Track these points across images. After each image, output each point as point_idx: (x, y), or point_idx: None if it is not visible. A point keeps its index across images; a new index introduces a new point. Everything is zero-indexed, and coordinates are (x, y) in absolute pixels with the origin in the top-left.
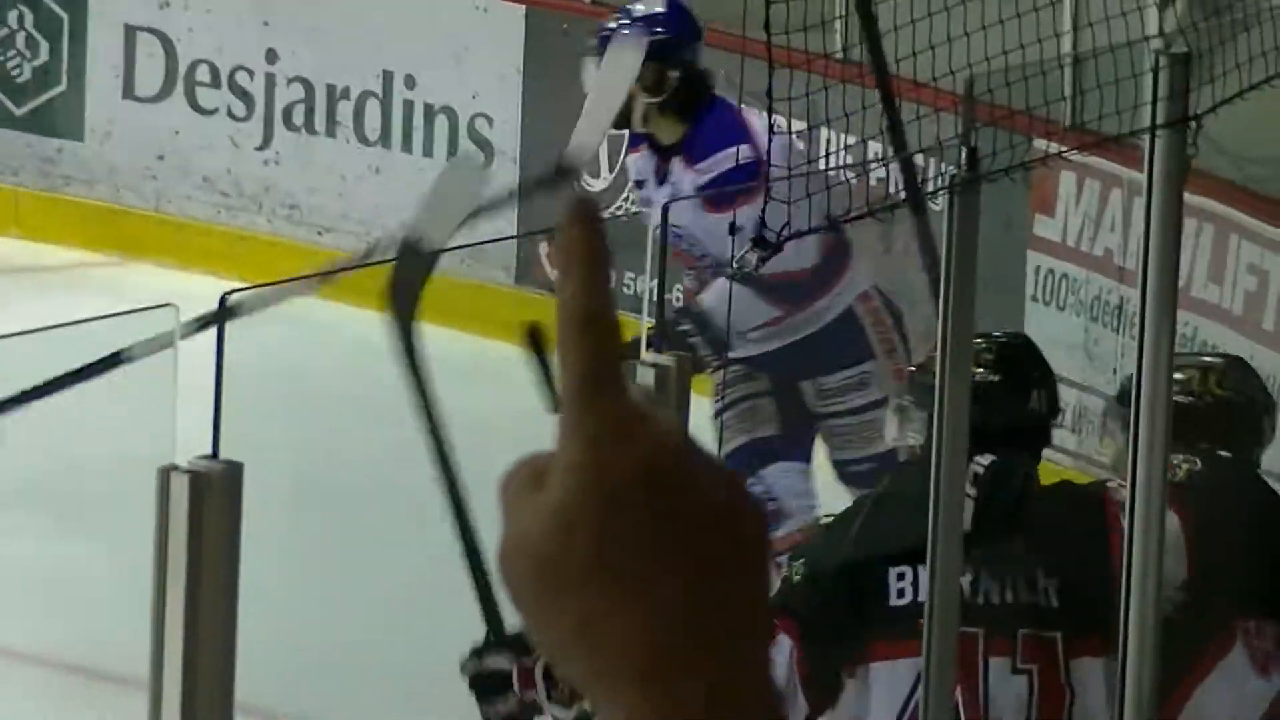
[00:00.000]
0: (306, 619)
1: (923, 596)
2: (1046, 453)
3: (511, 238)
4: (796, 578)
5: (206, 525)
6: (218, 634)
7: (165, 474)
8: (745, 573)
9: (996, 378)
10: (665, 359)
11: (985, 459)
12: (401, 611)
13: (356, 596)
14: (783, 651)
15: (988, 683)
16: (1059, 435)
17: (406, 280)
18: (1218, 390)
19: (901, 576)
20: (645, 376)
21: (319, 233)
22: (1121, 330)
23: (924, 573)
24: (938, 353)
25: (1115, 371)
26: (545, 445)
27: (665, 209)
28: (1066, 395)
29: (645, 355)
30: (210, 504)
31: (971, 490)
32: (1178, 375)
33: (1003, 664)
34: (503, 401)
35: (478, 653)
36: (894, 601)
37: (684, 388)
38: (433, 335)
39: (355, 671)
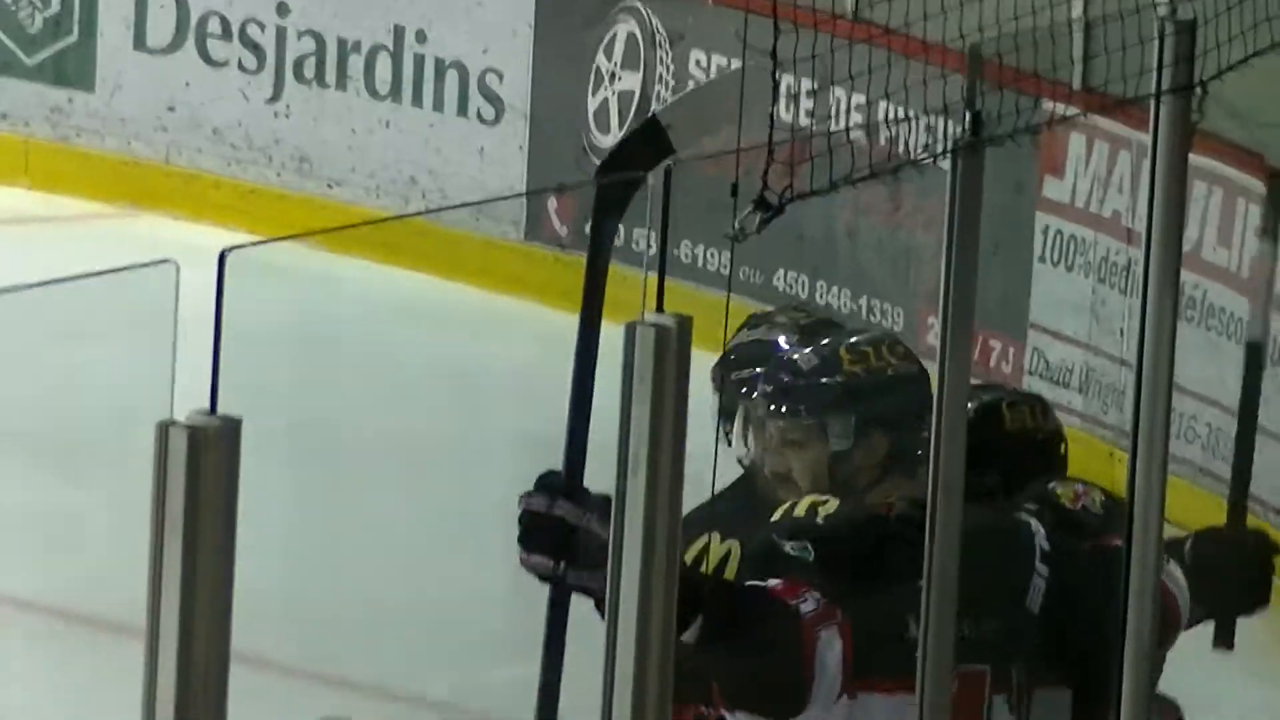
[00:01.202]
0: (306, 569)
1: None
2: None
3: (521, 195)
4: (805, 555)
5: (204, 481)
6: (214, 587)
7: (163, 429)
8: None
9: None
10: (666, 319)
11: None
12: (400, 562)
13: (356, 547)
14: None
15: None
16: (1065, 396)
17: (635, 156)
18: (1045, 424)
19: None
20: (645, 338)
21: (329, 185)
22: (1129, 291)
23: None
24: (939, 322)
25: (1121, 333)
26: (539, 396)
27: (668, 169)
28: (1073, 356)
29: (645, 315)
30: (208, 460)
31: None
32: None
33: (1002, 702)
34: (506, 352)
35: (549, 492)
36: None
37: (684, 351)
38: (441, 288)
39: (354, 620)
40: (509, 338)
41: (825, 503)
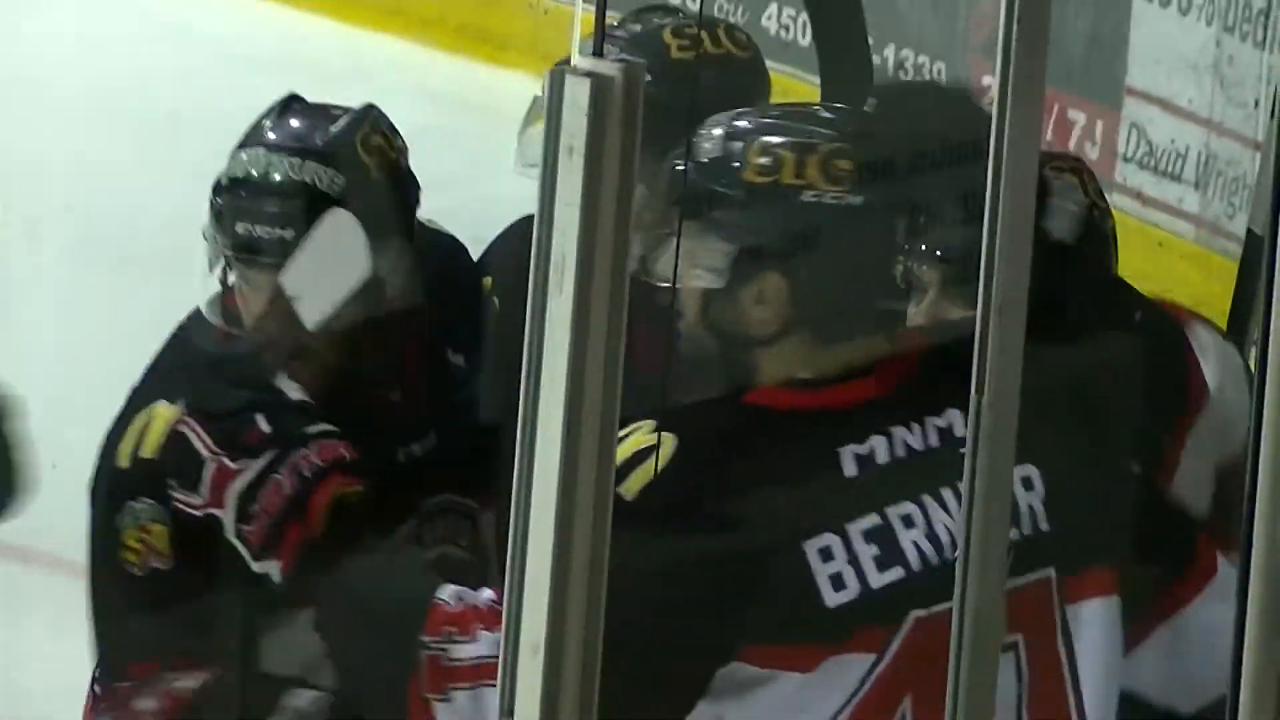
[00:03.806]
0: None
1: (876, 579)
2: (1163, 219)
3: None
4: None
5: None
6: None
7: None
8: None
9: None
10: (607, 66)
11: None
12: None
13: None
14: None
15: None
16: (1177, 192)
17: None
18: (1086, 196)
19: (827, 554)
20: (575, 93)
21: None
22: (1269, 45)
23: (858, 540)
24: (996, 83)
25: (1257, 103)
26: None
27: None
28: (1187, 135)
29: (578, 61)
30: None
31: None
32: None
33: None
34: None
35: None
36: (831, 599)
37: (632, 112)
38: (289, 21)
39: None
40: (384, 91)
41: (646, 455)
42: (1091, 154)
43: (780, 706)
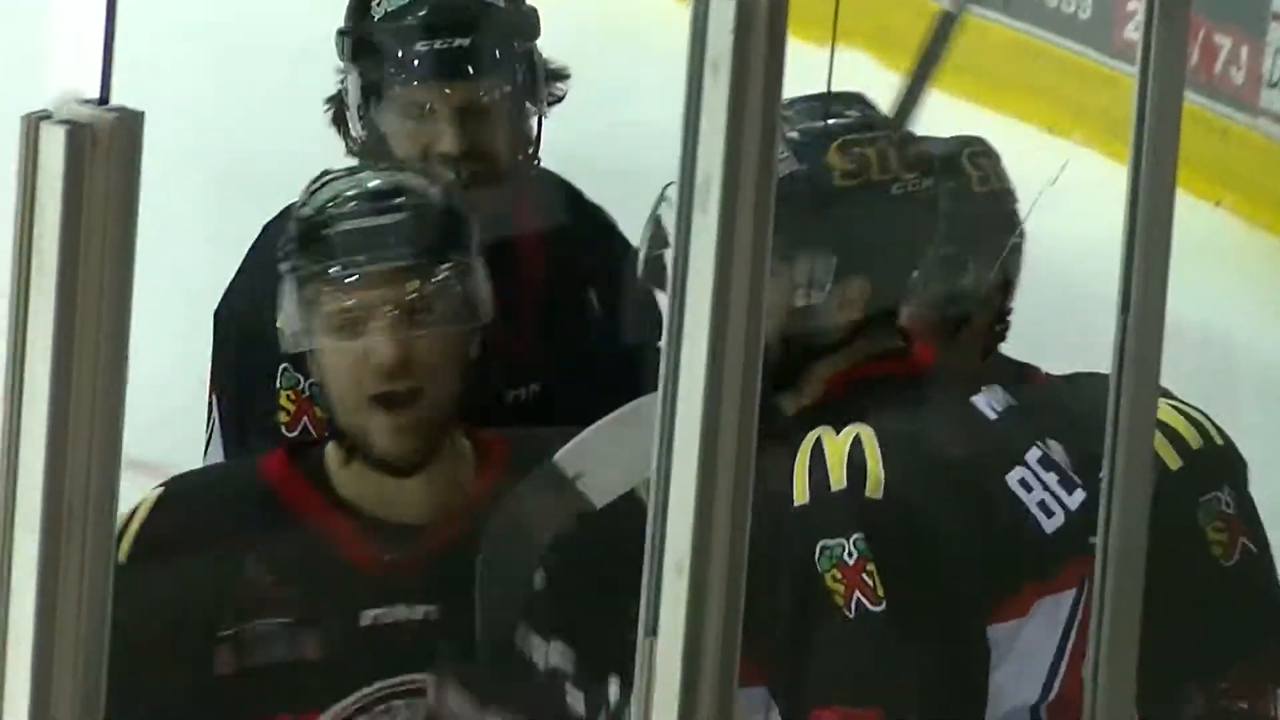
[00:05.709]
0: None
1: (1071, 500)
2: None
3: None
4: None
5: (89, 195)
6: (101, 361)
7: (33, 125)
8: None
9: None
10: None
11: None
12: None
13: None
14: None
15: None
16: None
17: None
18: (986, 185)
19: (1026, 485)
20: (720, 13)
21: None
22: None
23: (1039, 469)
24: (1143, 9)
25: None
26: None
27: None
28: None
29: None
30: (97, 165)
31: None
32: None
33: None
34: None
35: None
36: (1048, 525)
37: (778, 34)
38: None
39: None
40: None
41: (858, 450)
42: (1236, 79)
43: (1000, 659)
